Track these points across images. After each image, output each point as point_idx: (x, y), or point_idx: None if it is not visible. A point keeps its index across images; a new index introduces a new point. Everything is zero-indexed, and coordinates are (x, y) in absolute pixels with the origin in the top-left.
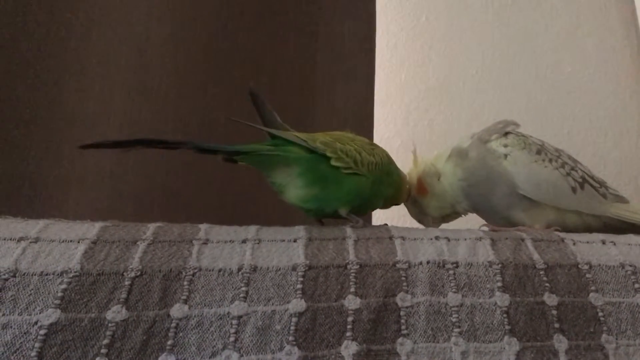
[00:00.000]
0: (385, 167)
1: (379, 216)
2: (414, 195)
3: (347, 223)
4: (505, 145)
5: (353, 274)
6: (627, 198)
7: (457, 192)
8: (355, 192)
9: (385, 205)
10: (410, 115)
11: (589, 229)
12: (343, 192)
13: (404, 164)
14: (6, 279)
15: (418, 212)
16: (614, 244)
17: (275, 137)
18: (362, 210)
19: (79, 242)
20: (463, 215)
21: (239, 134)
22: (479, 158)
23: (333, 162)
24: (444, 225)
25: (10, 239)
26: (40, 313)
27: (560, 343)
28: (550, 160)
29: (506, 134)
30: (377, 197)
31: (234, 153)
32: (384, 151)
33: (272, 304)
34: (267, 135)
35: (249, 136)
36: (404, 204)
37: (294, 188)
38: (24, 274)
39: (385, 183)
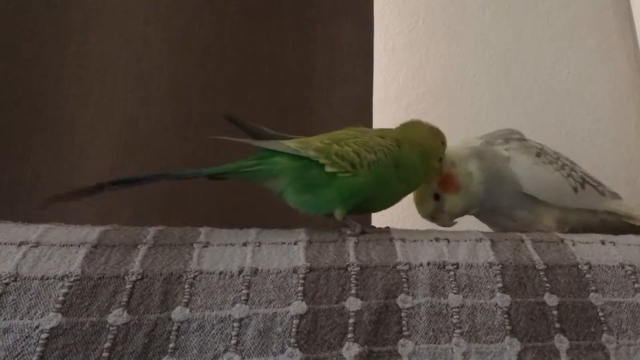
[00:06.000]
0: (390, 161)
1: (378, 218)
2: (437, 189)
3: (345, 228)
4: (507, 150)
5: (354, 276)
6: (620, 195)
7: (481, 194)
8: (348, 191)
9: (423, 182)
10: (409, 118)
11: (588, 225)
12: (333, 193)
13: None
14: (7, 284)
15: (435, 208)
16: (614, 244)
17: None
18: (371, 208)
19: (79, 246)
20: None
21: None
22: (492, 160)
23: (328, 169)
24: (439, 228)
25: (11, 244)
26: (41, 317)
27: (561, 343)
28: (551, 162)
29: (508, 139)
30: (388, 192)
31: (212, 175)
32: (409, 133)
33: (273, 307)
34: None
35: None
36: (414, 200)
37: (288, 195)
38: (24, 279)
39: (395, 178)
